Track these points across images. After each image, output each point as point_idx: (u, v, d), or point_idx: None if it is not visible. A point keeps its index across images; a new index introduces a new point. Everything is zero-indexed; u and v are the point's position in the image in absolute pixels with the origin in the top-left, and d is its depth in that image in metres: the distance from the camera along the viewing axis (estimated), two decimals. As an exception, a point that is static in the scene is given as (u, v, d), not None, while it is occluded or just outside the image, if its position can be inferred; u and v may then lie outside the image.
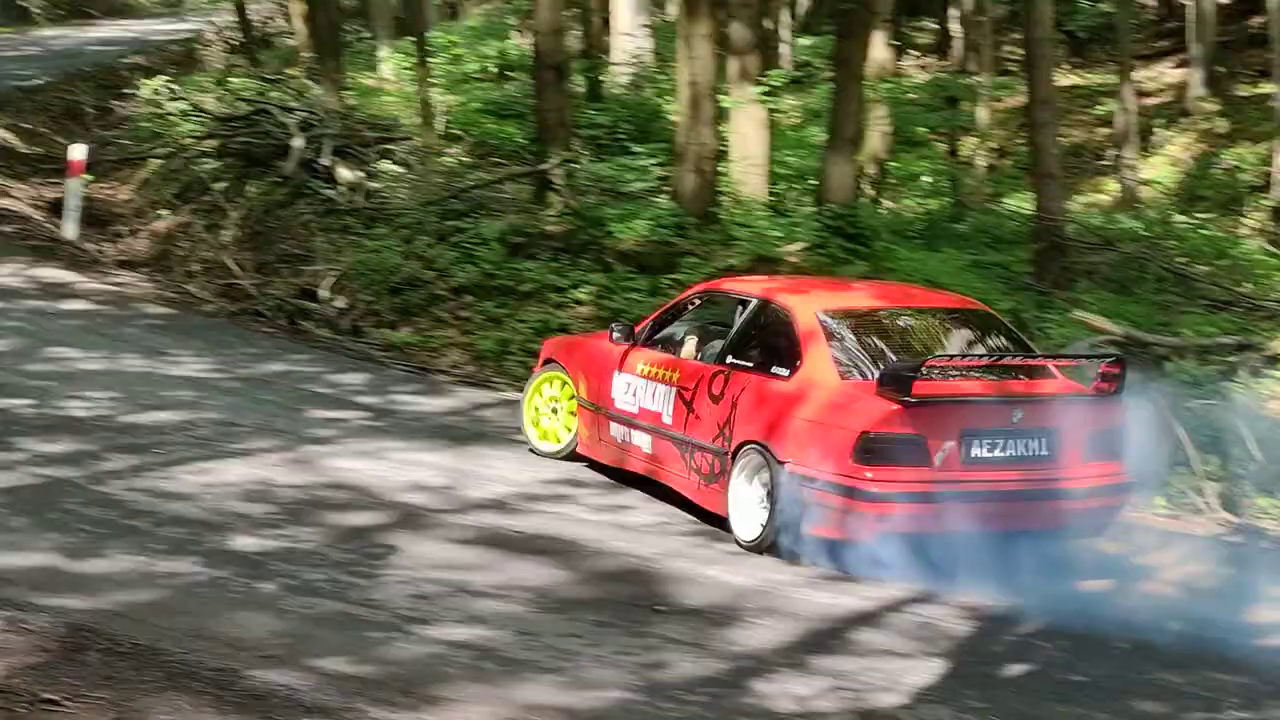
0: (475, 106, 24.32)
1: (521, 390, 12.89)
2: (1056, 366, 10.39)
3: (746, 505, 10.10)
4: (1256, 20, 29.83)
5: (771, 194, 19.64)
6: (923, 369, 9.39)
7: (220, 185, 20.35)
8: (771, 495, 9.81)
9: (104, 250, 19.98)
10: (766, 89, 19.08)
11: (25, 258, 18.71)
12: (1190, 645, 8.71)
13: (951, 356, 9.99)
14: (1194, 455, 12.13)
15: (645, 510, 10.94)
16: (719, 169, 18.81)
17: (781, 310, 10.64)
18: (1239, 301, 17.36)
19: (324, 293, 17.15)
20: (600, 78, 25.24)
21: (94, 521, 9.34)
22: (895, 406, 9.41)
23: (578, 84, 23.37)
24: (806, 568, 9.71)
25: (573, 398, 12.06)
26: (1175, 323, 16.00)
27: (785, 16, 29.77)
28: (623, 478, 11.54)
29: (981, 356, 10.29)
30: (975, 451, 9.64)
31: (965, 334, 10.73)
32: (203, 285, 18.18)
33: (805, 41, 30.98)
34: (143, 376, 13.72)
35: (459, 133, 22.71)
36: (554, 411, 12.31)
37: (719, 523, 10.39)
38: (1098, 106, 30.01)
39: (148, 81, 26.37)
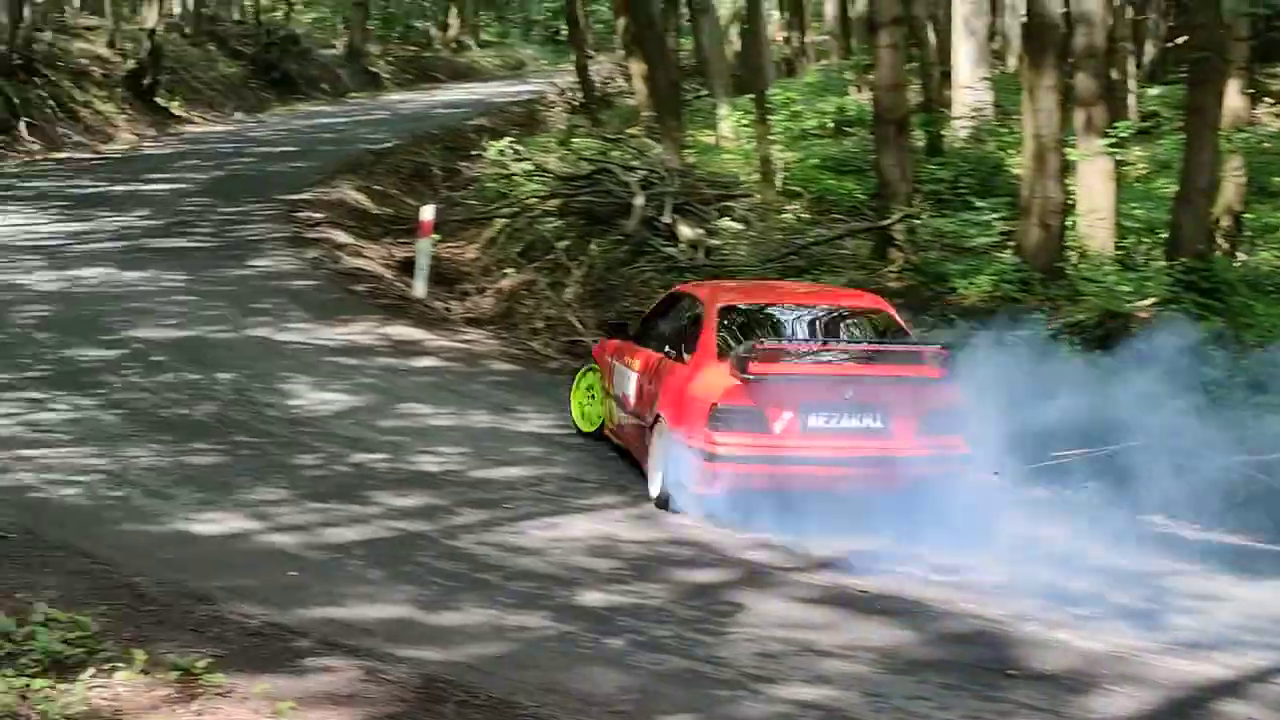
0: (814, 163, 24.31)
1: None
2: (922, 354, 11.59)
3: (654, 467, 11.88)
4: None
5: (1119, 248, 19.11)
6: (754, 351, 11.04)
7: (563, 243, 20.71)
8: (664, 458, 11.61)
9: (451, 308, 20.49)
10: (1113, 140, 18.62)
11: (377, 316, 19.28)
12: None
13: (781, 341, 11.65)
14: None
15: (990, 570, 10.65)
16: (1065, 222, 18.39)
17: (697, 305, 12.59)
18: None
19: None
20: (941, 132, 24.97)
21: (446, 574, 9.54)
22: (737, 383, 11.09)
23: (918, 138, 23.16)
24: (1160, 632, 9.40)
25: (604, 388, 13.92)
26: None
27: (1130, 66, 29.06)
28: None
29: (818, 343, 11.99)
30: (812, 422, 11.23)
31: (850, 326, 12.87)
32: (546, 342, 18.48)
33: (1152, 91, 30.21)
34: (491, 432, 13.98)
35: (798, 189, 22.70)
36: (591, 399, 14.24)
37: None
38: None
39: (493, 143, 27.05)
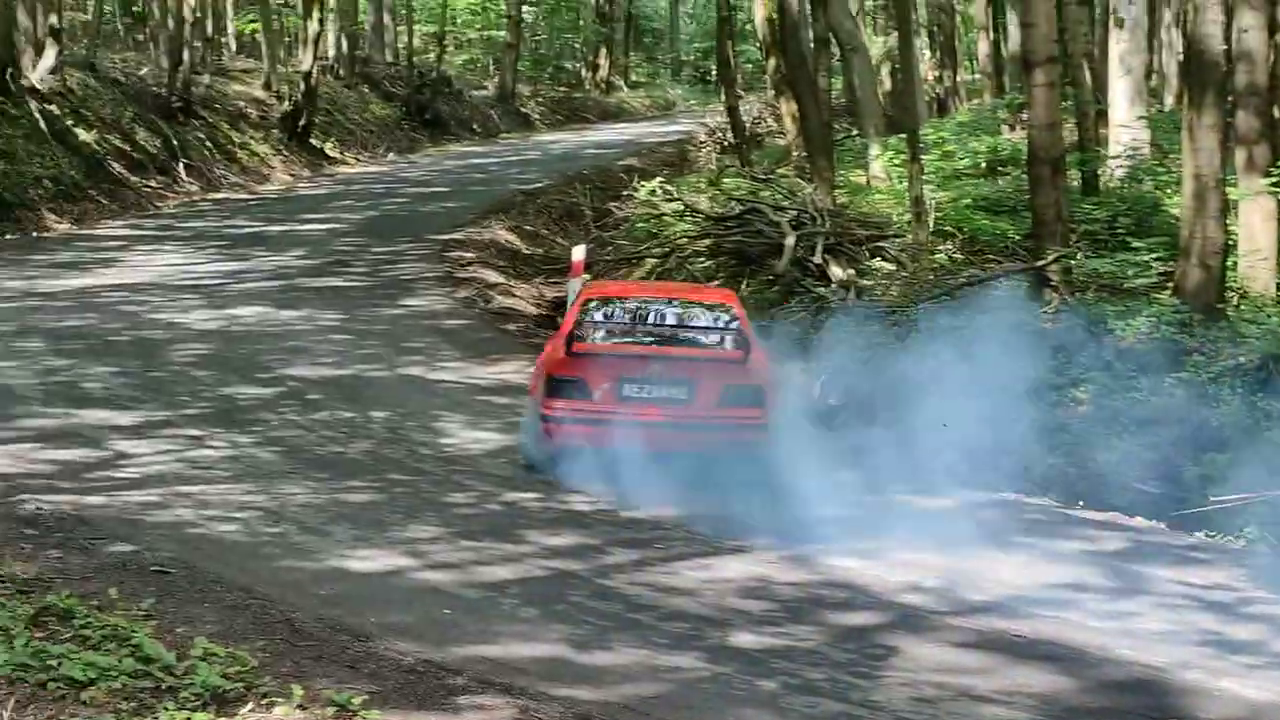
0: (966, 203, 24.07)
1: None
2: (724, 339, 13.91)
3: (522, 431, 13.93)
4: None
5: (1282, 290, 18.71)
6: (576, 333, 13.46)
7: (714, 283, 20.68)
8: (526, 422, 13.83)
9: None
10: (1276, 179, 18.23)
11: (529, 355, 19.35)
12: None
13: (597, 325, 13.99)
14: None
15: (1153, 617, 10.44)
16: (1225, 263, 18.04)
17: (575, 298, 14.92)
18: None
19: (818, 389, 17.17)
20: (1097, 171, 24.63)
21: (599, 614, 9.52)
22: (565, 357, 13.29)
23: (1073, 178, 22.86)
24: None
25: None
26: None
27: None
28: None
29: (633, 326, 14.15)
30: (626, 391, 13.23)
31: (693, 316, 14.60)
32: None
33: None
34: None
35: (950, 229, 22.48)
36: None
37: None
38: None
39: (644, 183, 27.14)
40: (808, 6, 31.26)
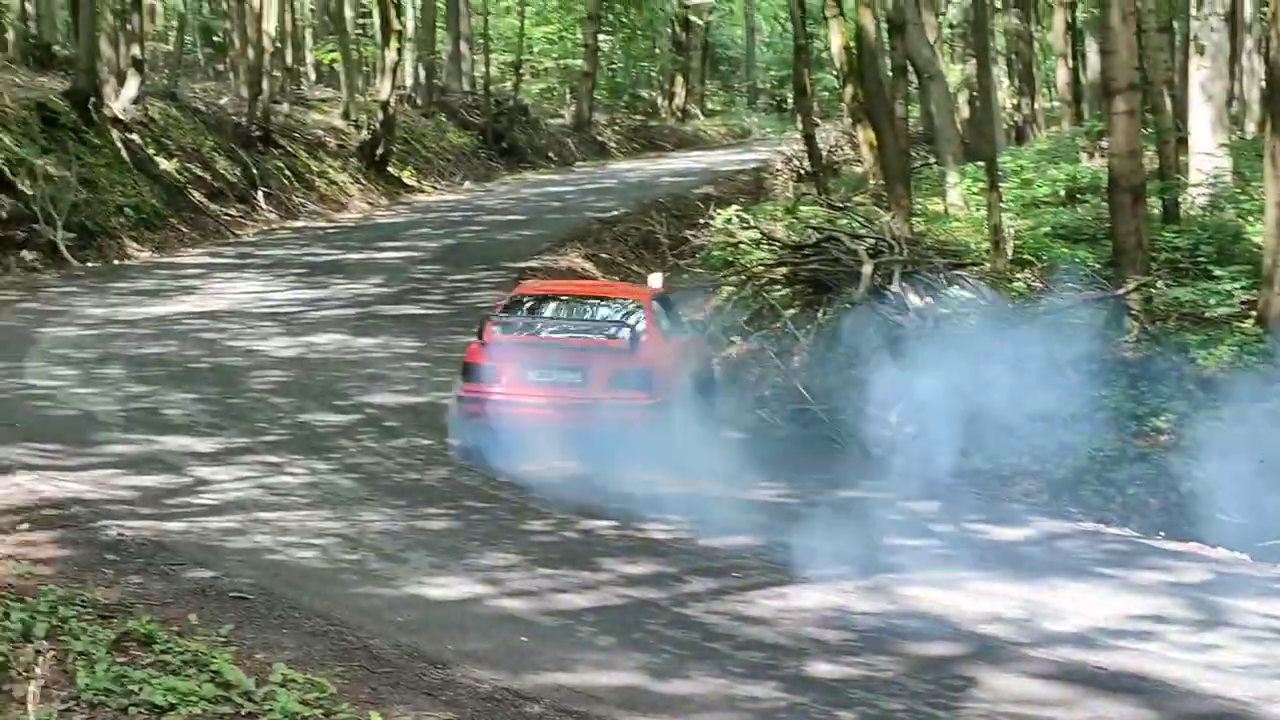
0: (1045, 231, 23.90)
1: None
2: (617, 330, 15.45)
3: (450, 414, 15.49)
4: None
5: (1366, 318, 18.45)
6: (488, 325, 15.34)
7: (790, 312, 20.62)
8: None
9: (679, 375, 20.50)
10: (1361, 207, 18.02)
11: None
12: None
13: (512, 318, 15.90)
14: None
15: (1237, 650, 10.33)
16: (1309, 292, 17.83)
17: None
18: None
19: (894, 418, 17.08)
20: (1177, 199, 24.40)
21: (676, 643, 9.50)
22: (478, 345, 15.15)
23: (1153, 206, 22.67)
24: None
25: None
26: None
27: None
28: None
29: (543, 319, 16.11)
30: (529, 376, 14.91)
31: (602, 309, 16.20)
32: (774, 411, 18.40)
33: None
34: (719, 501, 13.91)
35: (1029, 258, 22.32)
36: None
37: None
38: None
39: (720, 211, 27.12)
40: (885, 34, 31.20)
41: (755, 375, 19.83)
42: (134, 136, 32.64)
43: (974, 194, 26.23)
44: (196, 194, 33.42)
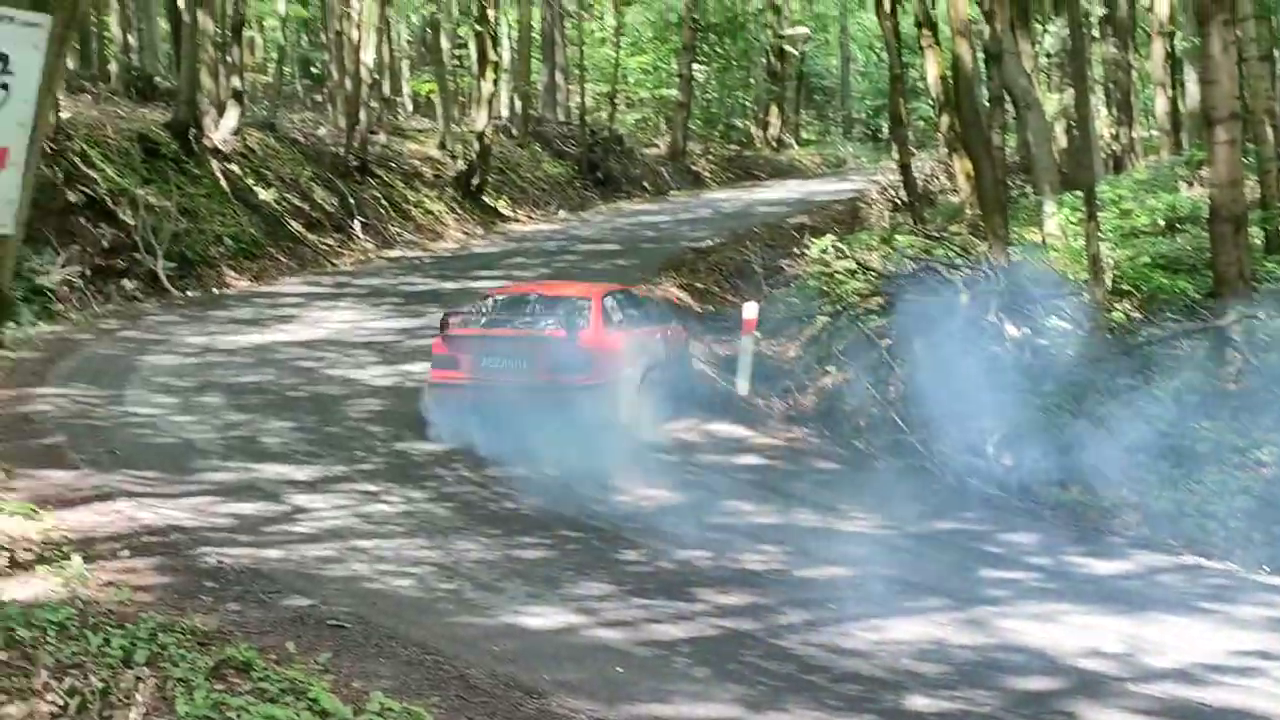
0: (1144, 261, 23.65)
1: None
2: (560, 324, 17.37)
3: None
4: None
5: None
6: (449, 320, 17.67)
7: (886, 342, 20.52)
8: None
9: (774, 405, 20.47)
10: None
11: (700, 413, 19.36)
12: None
13: (473, 314, 18.26)
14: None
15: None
16: None
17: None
18: None
19: (990, 449, 16.95)
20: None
21: (772, 675, 9.44)
22: (441, 338, 17.56)
23: (1255, 235, 22.38)
24: None
25: None
26: None
27: None
28: None
29: (499, 314, 18.17)
30: (484, 363, 17.12)
31: (556, 307, 17.99)
32: (870, 441, 18.31)
33: None
34: (814, 531, 13.87)
35: (1128, 288, 22.10)
36: None
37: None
38: None
39: (815, 241, 27.06)
40: (982, 64, 31.04)
41: (851, 405, 19.74)
42: (233, 167, 33.01)
43: (1072, 223, 25.98)
44: (294, 224, 33.72)
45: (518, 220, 42.71)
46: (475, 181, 41.94)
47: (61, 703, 7.19)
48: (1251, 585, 13.25)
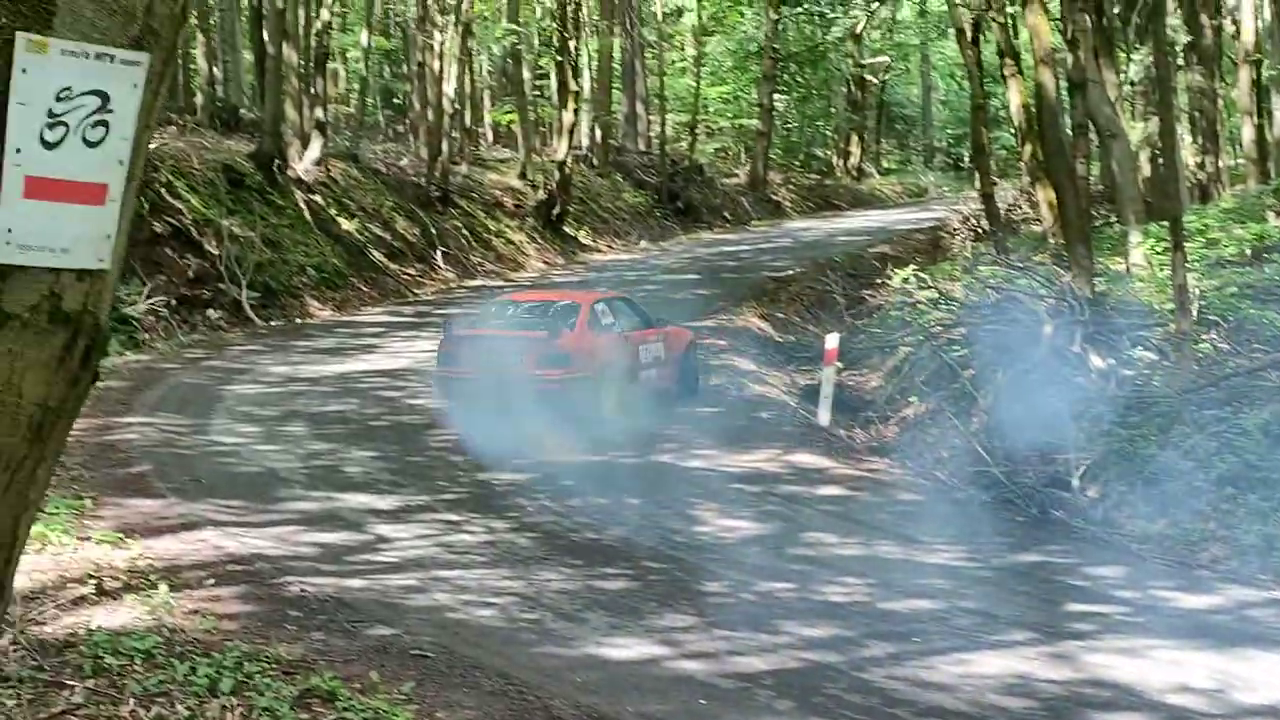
0: (1232, 291, 23.39)
1: None
2: (545, 324, 20.03)
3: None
4: None
5: None
6: (453, 322, 20.75)
7: (968, 372, 20.41)
8: None
9: (855, 436, 20.39)
10: None
11: (781, 444, 19.32)
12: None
13: (476, 316, 22.15)
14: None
15: None
16: None
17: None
18: None
19: (1075, 481, 16.80)
20: (1372, 256, 23.81)
21: (856, 708, 9.36)
22: (446, 337, 19.99)
23: (1345, 265, 22.12)
24: None
25: None
26: None
27: None
28: None
29: (497, 317, 21.27)
30: (479, 359, 19.20)
31: (548, 310, 20.88)
32: (953, 472, 18.19)
33: None
34: (897, 563, 13.77)
35: (1215, 318, 21.85)
36: None
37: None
38: None
39: (897, 271, 26.97)
40: (1065, 93, 30.86)
41: (934, 436, 19.63)
42: (316, 197, 33.29)
43: (1157, 253, 25.77)
44: (376, 253, 33.97)
45: (598, 250, 42.84)
46: (556, 211, 42.11)
47: (148, 731, 7.23)
48: (1345, 621, 13.03)
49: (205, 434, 18.10)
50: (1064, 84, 31.43)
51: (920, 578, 13.17)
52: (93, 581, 10.47)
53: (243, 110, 40.22)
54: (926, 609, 12.10)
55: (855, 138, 67.44)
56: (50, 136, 3.63)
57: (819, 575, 12.98)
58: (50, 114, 3.61)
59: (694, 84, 57.21)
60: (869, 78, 67.77)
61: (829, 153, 68.27)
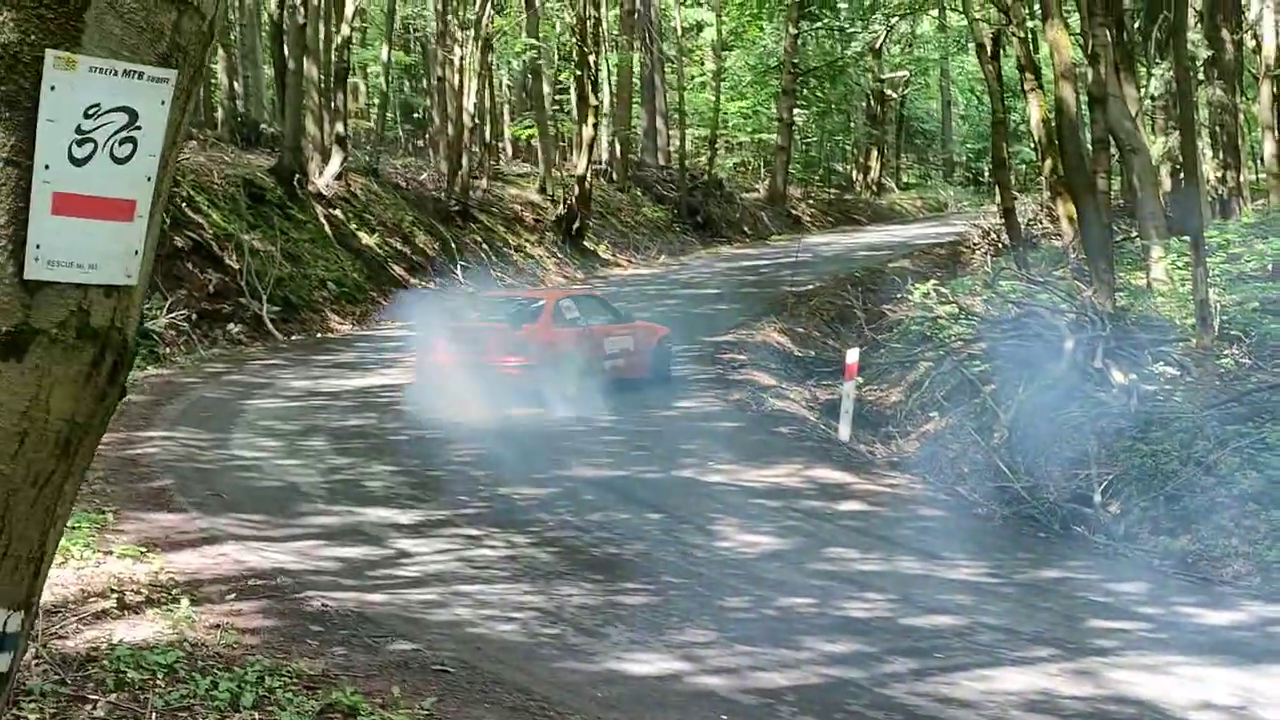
0: (1254, 306, 23.35)
1: None
2: (523, 320, 22.73)
3: None
4: None
5: None
6: (451, 321, 23.43)
7: (989, 388, 20.37)
8: None
9: (876, 451, 20.36)
10: None
11: (801, 459, 19.30)
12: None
13: (449, 314, 24.94)
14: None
15: None
16: None
17: None
18: None
19: (1097, 497, 16.76)
20: (1401, 270, 23.74)
21: (878, 725, 9.34)
22: (424, 328, 23.20)
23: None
24: None
25: None
26: None
27: None
28: None
29: (475, 312, 24.09)
30: (453, 348, 21.64)
31: (507, 305, 23.82)
32: (974, 487, 18.15)
33: None
34: (919, 579, 13.74)
35: (1237, 333, 21.81)
36: None
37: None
38: None
39: (917, 286, 26.95)
40: (1085, 107, 30.81)
41: (954, 451, 19.60)
42: (336, 212, 33.36)
43: (1178, 269, 25.71)
44: (396, 268, 34.05)
45: (618, 264, 42.87)
46: (575, 226, 42.15)
47: (171, 746, 7.23)
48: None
49: (226, 448, 18.13)
50: (1084, 99, 31.36)
51: (942, 593, 13.14)
52: (114, 595, 10.49)
53: (263, 125, 40.34)
54: (948, 625, 12.07)
55: (875, 152, 67.44)
56: (79, 153, 3.64)
57: (840, 590, 12.96)
58: (79, 131, 3.62)
59: (713, 99, 57.24)
60: (889, 92, 67.80)
61: (848, 167, 68.30)
